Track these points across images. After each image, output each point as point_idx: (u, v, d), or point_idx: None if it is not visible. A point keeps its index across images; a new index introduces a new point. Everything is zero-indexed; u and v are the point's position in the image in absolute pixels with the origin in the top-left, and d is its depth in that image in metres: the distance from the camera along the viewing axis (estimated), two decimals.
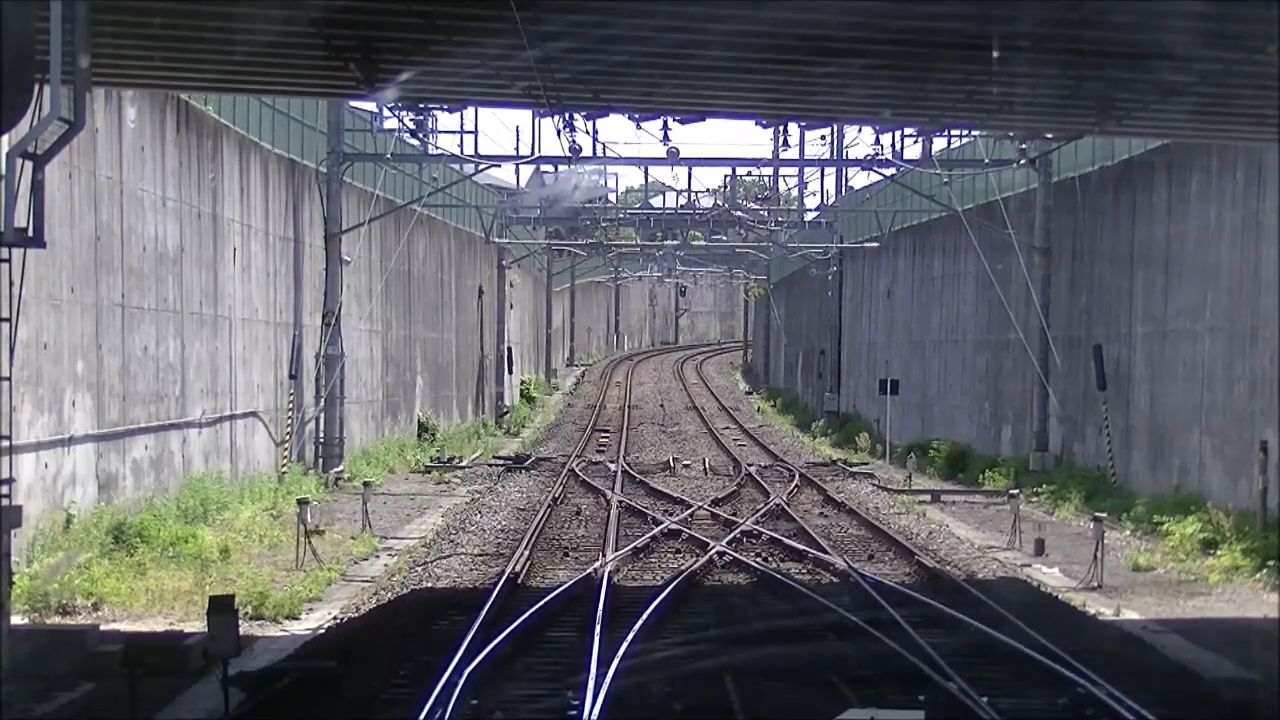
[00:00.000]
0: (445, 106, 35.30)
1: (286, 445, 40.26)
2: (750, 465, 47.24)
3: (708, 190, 72.28)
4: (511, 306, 78.52)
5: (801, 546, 29.59)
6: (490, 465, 49.97)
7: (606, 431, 65.86)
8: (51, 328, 25.87)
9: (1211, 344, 33.66)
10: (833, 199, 74.20)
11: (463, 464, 49.79)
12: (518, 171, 74.16)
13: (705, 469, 48.22)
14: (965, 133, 43.37)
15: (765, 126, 41.55)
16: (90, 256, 27.76)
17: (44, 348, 25.52)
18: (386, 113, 41.70)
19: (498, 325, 74.79)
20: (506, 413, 74.05)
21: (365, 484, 35.13)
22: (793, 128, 49.81)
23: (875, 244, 63.87)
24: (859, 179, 70.94)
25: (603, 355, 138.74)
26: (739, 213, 68.12)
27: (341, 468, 43.26)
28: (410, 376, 56.46)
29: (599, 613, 21.11)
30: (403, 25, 20.49)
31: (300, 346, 41.69)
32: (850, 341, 72.59)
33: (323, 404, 43.30)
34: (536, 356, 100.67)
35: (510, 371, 77.76)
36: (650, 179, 69.11)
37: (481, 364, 71.04)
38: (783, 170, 69.82)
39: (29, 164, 15.23)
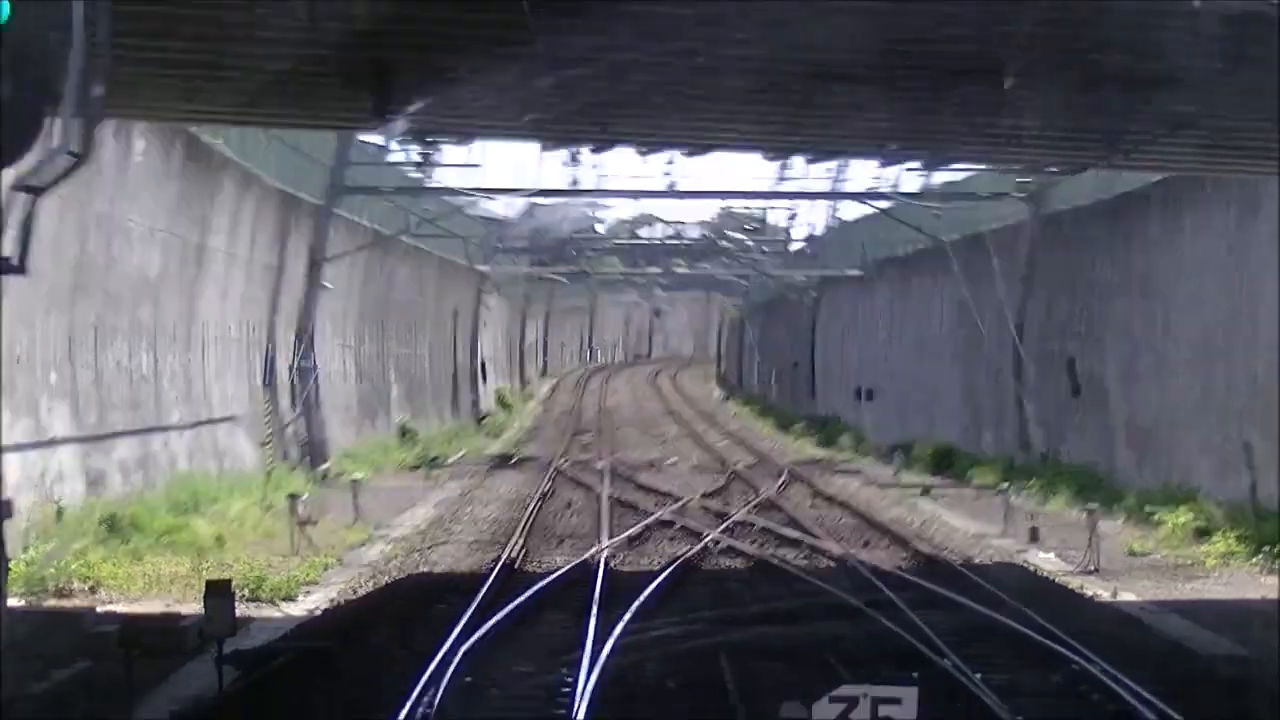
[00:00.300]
0: (454, 140, 35.26)
1: (269, 445, 40.09)
2: (737, 463, 47.37)
3: (697, 223, 72.55)
4: (485, 325, 78.88)
5: (796, 535, 29.58)
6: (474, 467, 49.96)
7: (586, 434, 65.80)
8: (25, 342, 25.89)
9: (1189, 371, 34.00)
10: (822, 228, 74.37)
11: (449, 462, 49.88)
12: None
13: (693, 466, 48.22)
14: (966, 167, 43.33)
15: (772, 159, 41.64)
16: (70, 281, 27.81)
17: (17, 362, 25.49)
18: (394, 145, 41.68)
19: (471, 342, 75.06)
20: (484, 418, 74.30)
21: (353, 481, 35.13)
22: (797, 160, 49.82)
23: (858, 272, 63.88)
24: (850, 210, 70.98)
25: (579, 367, 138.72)
26: (725, 243, 68.21)
27: (328, 465, 43.23)
28: (385, 386, 56.54)
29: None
30: (419, 46, 20.28)
31: (274, 359, 41.66)
32: (824, 355, 72.78)
33: (299, 409, 43.27)
34: (510, 370, 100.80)
35: (484, 381, 78.15)
36: (641, 209, 69.61)
37: (455, 378, 71.22)
38: (774, 202, 69.84)
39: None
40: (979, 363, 48.38)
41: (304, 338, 43.31)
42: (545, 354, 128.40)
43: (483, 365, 77.21)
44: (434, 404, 65.78)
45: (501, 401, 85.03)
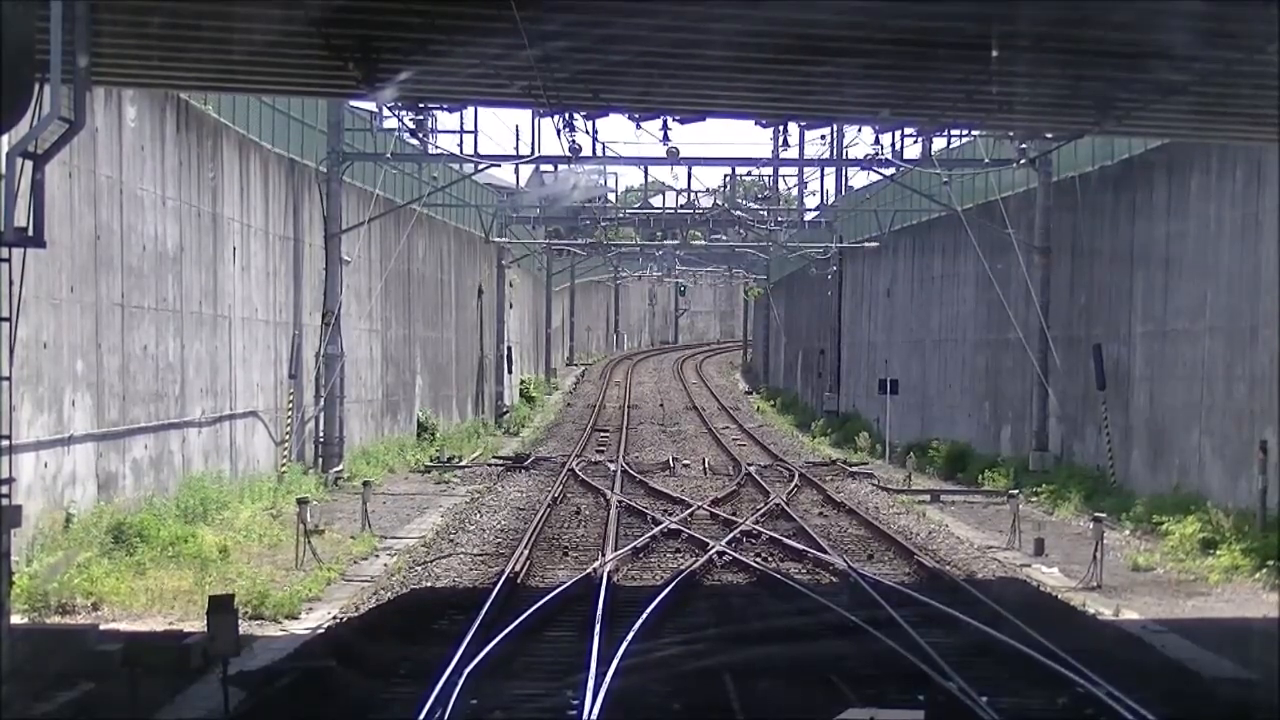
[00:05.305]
0: (445, 106, 35.33)
1: (286, 445, 40.27)
2: (750, 465, 47.25)
3: (707, 190, 72.12)
4: (511, 306, 78.56)
5: (801, 546, 29.62)
6: (490, 465, 49.96)
7: (606, 431, 65.93)
8: (51, 327, 25.88)
9: (1211, 343, 33.67)
10: (833, 199, 74.23)
11: (462, 464, 49.81)
12: (517, 171, 74.15)
13: (705, 469, 48.24)
14: (965, 132, 43.34)
15: (765, 126, 41.54)
16: (90, 256, 27.77)
17: (43, 347, 25.52)
18: (386, 112, 41.70)
19: (497, 325, 74.81)
20: (506, 412, 74.08)
21: (365, 484, 35.11)
22: (792, 127, 49.87)
23: (875, 244, 63.89)
24: (859, 179, 71.03)
25: (602, 355, 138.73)
26: (739, 212, 68.12)
27: (341, 467, 43.28)
28: (410, 376, 56.47)
29: (598, 612, 21.12)
30: (402, 25, 20.51)
31: (300, 346, 41.71)
32: (850, 341, 72.64)
33: (322, 403, 43.32)
34: (536, 356, 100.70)
35: (510, 371, 77.80)
36: (650, 178, 69.06)
37: (481, 363, 71.06)
38: (783, 170, 69.87)
39: (29, 163, 15.22)
40: (1003, 347, 48.25)
41: (330, 320, 43.30)
42: (572, 338, 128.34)
43: (509, 352, 77.02)
44: (457, 396, 65.75)
45: (525, 394, 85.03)
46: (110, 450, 28.75)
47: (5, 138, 14.85)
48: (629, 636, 19.66)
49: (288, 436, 40.43)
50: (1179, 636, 21.69)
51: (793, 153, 58.22)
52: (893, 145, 43.70)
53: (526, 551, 28.69)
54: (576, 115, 30.42)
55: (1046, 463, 43.26)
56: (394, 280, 52.73)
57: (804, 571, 27.38)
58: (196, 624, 20.22)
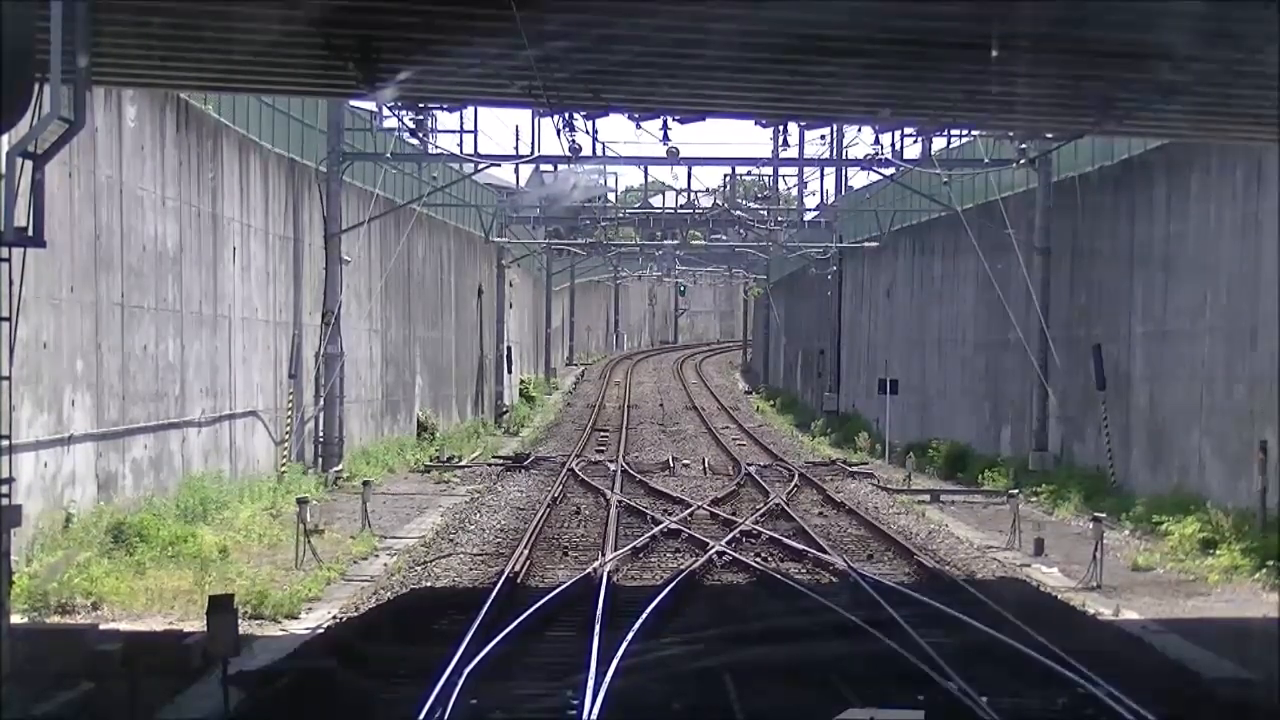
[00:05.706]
0: (445, 106, 35.33)
1: (286, 445, 40.28)
2: (750, 465, 47.24)
3: (707, 190, 72.11)
4: (511, 306, 78.61)
5: (801, 546, 29.63)
6: (490, 465, 49.96)
7: (605, 431, 65.95)
8: (51, 327, 25.87)
9: (1211, 343, 33.67)
10: (833, 199, 74.24)
11: (462, 463, 49.82)
12: (517, 171, 74.18)
13: (705, 468, 48.26)
14: (965, 132, 43.32)
15: (765, 126, 41.54)
16: (90, 256, 27.78)
17: (43, 347, 25.52)
18: (386, 112, 41.71)
19: (497, 325, 74.85)
20: (506, 412, 74.11)
21: (365, 483, 35.09)
22: (792, 127, 49.86)
23: (875, 244, 63.89)
24: (859, 179, 71.08)
25: (602, 355, 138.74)
26: (739, 212, 68.13)
27: (341, 467, 43.27)
28: (409, 376, 56.48)
29: (598, 612, 21.13)
30: (402, 25, 20.52)
31: (300, 346, 41.72)
32: (850, 341, 72.65)
33: (322, 403, 43.32)
34: (536, 356, 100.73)
35: (510, 371, 77.84)
36: (650, 178, 69.05)
37: (481, 363, 71.08)
38: (783, 170, 69.90)
39: (29, 163, 15.21)
40: (1003, 347, 48.23)
41: (330, 320, 43.30)
42: (572, 338, 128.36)
43: (509, 352, 77.07)
44: (457, 396, 65.74)
45: (525, 394, 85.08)
46: (110, 450, 28.76)
47: (5, 138, 14.83)
48: (629, 636, 19.66)
49: (287, 436, 40.45)
50: (1179, 636, 21.71)
51: (793, 153, 58.22)
52: (893, 145, 43.68)
53: (526, 551, 28.71)
54: (576, 115, 30.42)
55: (1046, 463, 43.27)
56: (394, 280, 52.73)
57: (804, 571, 27.41)
58: (196, 624, 20.22)
